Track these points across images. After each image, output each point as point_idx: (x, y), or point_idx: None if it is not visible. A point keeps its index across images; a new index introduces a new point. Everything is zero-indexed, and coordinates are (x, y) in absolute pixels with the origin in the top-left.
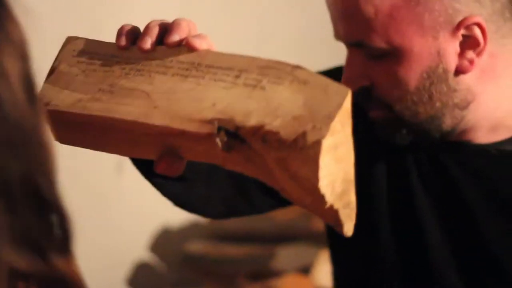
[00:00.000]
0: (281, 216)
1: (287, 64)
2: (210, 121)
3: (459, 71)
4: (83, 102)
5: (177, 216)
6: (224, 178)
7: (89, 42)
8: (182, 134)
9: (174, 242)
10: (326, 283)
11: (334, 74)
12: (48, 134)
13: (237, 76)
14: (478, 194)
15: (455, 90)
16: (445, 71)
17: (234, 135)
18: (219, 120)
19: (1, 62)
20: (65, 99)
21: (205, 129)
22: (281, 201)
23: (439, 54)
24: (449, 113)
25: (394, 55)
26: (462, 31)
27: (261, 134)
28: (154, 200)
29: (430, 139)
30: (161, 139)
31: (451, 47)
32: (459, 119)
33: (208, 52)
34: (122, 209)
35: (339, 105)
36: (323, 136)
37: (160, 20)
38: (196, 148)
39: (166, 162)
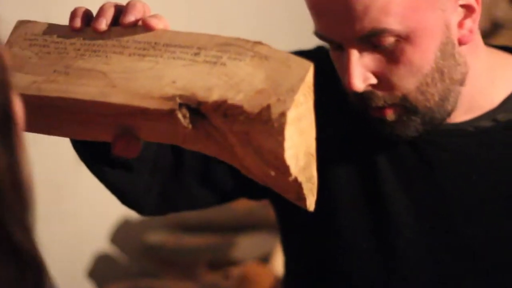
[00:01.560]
0: (240, 205)
1: (247, 41)
2: (171, 98)
3: (461, 43)
4: (37, 84)
5: None
6: (166, 171)
7: (41, 25)
8: (142, 112)
9: (133, 233)
10: None
11: (314, 54)
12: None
13: (196, 54)
14: (452, 173)
15: (458, 64)
16: (453, 44)
17: (196, 111)
18: (180, 96)
19: None
20: (19, 82)
21: (166, 106)
22: (223, 198)
23: (447, 28)
24: (454, 90)
25: (408, 39)
26: (461, 1)
27: (223, 109)
28: None
29: (436, 125)
30: (117, 120)
31: (454, 18)
32: (457, 97)
33: (165, 31)
34: (82, 200)
35: (302, 78)
36: (288, 108)
37: (114, 2)
38: (154, 128)
39: (123, 143)
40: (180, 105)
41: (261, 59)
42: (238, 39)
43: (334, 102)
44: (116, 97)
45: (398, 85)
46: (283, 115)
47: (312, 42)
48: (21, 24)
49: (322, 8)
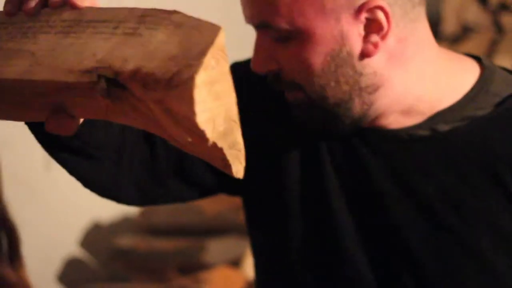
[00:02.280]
0: (210, 209)
1: (164, 11)
2: (89, 70)
3: (364, 55)
4: None
5: (106, 211)
6: (137, 161)
7: None
8: (67, 87)
9: (103, 236)
10: None
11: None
12: None
13: (116, 27)
14: (388, 179)
15: (361, 74)
16: (350, 54)
17: (114, 81)
18: (98, 68)
19: None
20: None
21: (85, 79)
22: (201, 192)
23: (342, 37)
24: (358, 97)
25: (298, 38)
26: (365, 14)
27: (139, 78)
28: (83, 194)
29: (341, 124)
30: (49, 99)
31: (355, 30)
32: (368, 104)
33: (89, 8)
34: (52, 204)
35: (211, 41)
36: (195, 71)
37: None
38: (82, 103)
39: (55, 120)
40: (99, 77)
41: (175, 27)
42: (155, 9)
43: (276, 97)
44: (41, 74)
45: (292, 77)
46: (191, 78)
47: None
48: None
49: None
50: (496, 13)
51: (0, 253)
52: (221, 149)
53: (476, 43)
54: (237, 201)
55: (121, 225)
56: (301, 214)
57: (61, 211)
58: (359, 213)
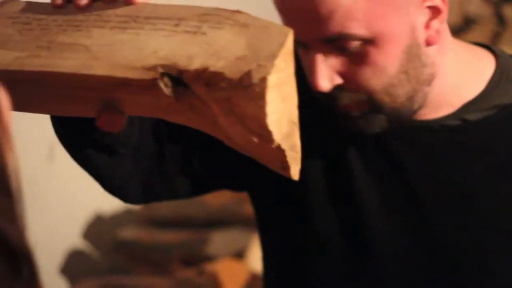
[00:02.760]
0: (214, 201)
1: (226, 10)
2: (152, 68)
3: (428, 43)
4: (20, 59)
5: (109, 203)
6: (147, 157)
7: (23, 4)
8: (125, 84)
9: (106, 228)
10: (260, 267)
11: None
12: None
13: (177, 25)
14: (420, 170)
15: (425, 65)
16: (418, 46)
17: (178, 80)
18: (162, 66)
19: None
20: (2, 59)
21: (148, 76)
22: (205, 188)
23: (412, 30)
24: (420, 91)
25: (373, 42)
26: (427, 2)
27: (205, 77)
28: (86, 186)
29: (400, 123)
30: (100, 94)
31: (420, 20)
32: (425, 97)
33: (145, 5)
34: (54, 196)
35: (282, 44)
36: (268, 73)
37: None
38: (138, 100)
39: (107, 116)
40: (162, 74)
41: (240, 27)
42: (217, 9)
43: (304, 99)
44: (99, 69)
45: (363, 86)
46: (263, 79)
47: None
48: (3, 3)
49: (288, 6)
50: (498, 4)
51: (21, 280)
52: (283, 151)
53: (478, 35)
54: (240, 193)
55: (124, 217)
56: (327, 212)
57: (63, 203)
58: (391, 206)
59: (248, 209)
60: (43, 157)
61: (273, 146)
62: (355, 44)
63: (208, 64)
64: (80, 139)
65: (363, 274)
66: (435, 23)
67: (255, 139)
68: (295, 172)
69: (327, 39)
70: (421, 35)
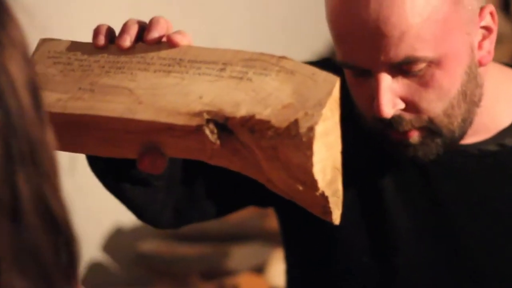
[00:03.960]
0: (234, 215)
1: (272, 56)
2: (198, 114)
3: (480, 64)
4: (62, 101)
5: (129, 216)
6: (177, 184)
7: (65, 43)
8: (169, 128)
9: (126, 241)
10: (280, 282)
11: (321, 65)
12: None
13: (222, 69)
14: (455, 193)
15: (479, 86)
16: (476, 66)
17: (223, 126)
18: (207, 112)
19: (6, 69)
20: (44, 100)
21: (193, 122)
22: (233, 208)
23: (472, 49)
24: (473, 112)
25: (438, 64)
26: (482, 22)
27: (251, 124)
28: (106, 199)
29: (455, 146)
30: (143, 137)
31: (476, 39)
32: (474, 118)
33: (189, 47)
34: (74, 209)
35: (329, 93)
36: (316, 122)
37: (137, 19)
38: (180, 144)
39: (149, 159)
40: (208, 120)
41: (287, 74)
42: (262, 54)
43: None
44: (143, 114)
45: (426, 109)
46: (311, 129)
47: (303, 52)
48: (44, 42)
49: (351, 34)
50: None
51: (58, 268)
52: (326, 197)
53: (499, 53)
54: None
55: (144, 230)
56: (357, 231)
57: (84, 216)
58: (422, 228)
59: (268, 223)
60: (64, 169)
61: (317, 193)
62: (421, 66)
63: (255, 111)
64: (117, 176)
65: None
66: (487, 43)
67: (299, 187)
68: (336, 216)
69: (394, 64)
70: (477, 55)
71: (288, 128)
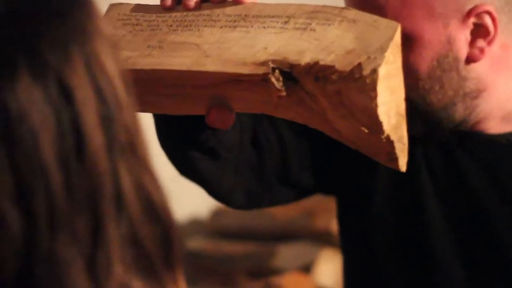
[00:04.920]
0: (281, 214)
1: (334, 7)
2: (264, 63)
3: (469, 60)
4: (133, 59)
5: (176, 213)
6: (246, 165)
7: (133, 6)
8: (236, 80)
9: None
10: (327, 282)
11: None
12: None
13: (286, 22)
14: (486, 184)
15: (466, 79)
16: (456, 59)
17: (289, 74)
18: (273, 61)
19: (99, 59)
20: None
21: (259, 71)
22: (302, 194)
23: (449, 42)
24: (461, 102)
25: (404, 42)
26: (472, 19)
27: (315, 70)
28: None
29: (442, 129)
30: (210, 91)
31: (462, 35)
32: (470, 109)
33: (254, 4)
34: None
35: (391, 37)
36: (379, 65)
37: None
38: (247, 97)
39: (216, 113)
40: (273, 69)
41: (349, 23)
42: (325, 6)
43: None
44: (211, 66)
45: None
46: (374, 71)
47: None
48: (113, 7)
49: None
50: None
51: (162, 258)
52: (392, 142)
53: None
54: (308, 207)
55: (191, 228)
56: (393, 219)
57: None
58: (455, 218)
59: (316, 223)
60: None
61: (383, 137)
62: None
63: (319, 58)
64: (185, 142)
65: (426, 283)
66: (480, 42)
67: (365, 131)
68: (402, 163)
69: None
70: (462, 50)
71: (351, 71)
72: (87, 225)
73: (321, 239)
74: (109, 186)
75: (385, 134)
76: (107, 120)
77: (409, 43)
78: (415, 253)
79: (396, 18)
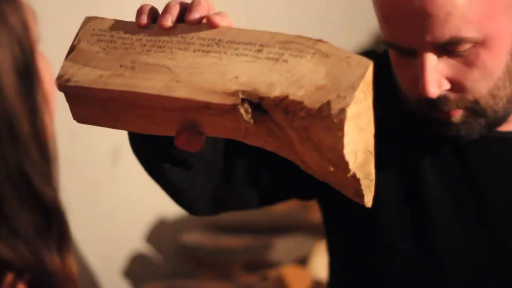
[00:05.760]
0: (278, 207)
1: (309, 38)
2: (233, 93)
3: None
4: (104, 78)
5: (172, 207)
6: (219, 173)
7: (109, 22)
8: (205, 107)
9: (169, 233)
10: (323, 274)
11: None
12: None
13: (259, 51)
14: (495, 180)
15: None
16: None
17: (258, 106)
18: (243, 91)
19: None
20: (86, 76)
21: (229, 101)
22: (274, 199)
23: None
24: None
25: (483, 44)
26: None
27: (284, 104)
28: (149, 191)
29: (494, 128)
30: (181, 115)
31: None
32: None
33: (228, 28)
34: (117, 200)
35: (362, 75)
36: (347, 104)
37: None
38: (216, 123)
39: (186, 137)
40: (243, 100)
41: (322, 56)
42: (299, 37)
43: (381, 105)
44: (181, 92)
45: (471, 90)
46: (343, 110)
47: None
48: (89, 20)
49: (397, 15)
50: None
51: (50, 239)
52: (358, 180)
53: None
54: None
55: (187, 222)
56: (397, 216)
57: (126, 207)
58: (461, 213)
59: (312, 215)
60: (107, 161)
61: (348, 175)
62: (466, 47)
63: (289, 92)
64: (157, 154)
65: (431, 276)
66: None
67: (331, 168)
68: (368, 199)
69: (440, 44)
70: None
71: (320, 109)
72: None
73: (317, 231)
74: None
75: (351, 173)
76: None
77: (486, 44)
78: (422, 247)
79: (479, 20)
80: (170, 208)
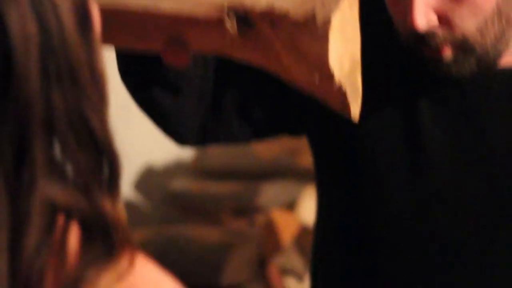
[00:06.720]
0: (265, 152)
1: None
2: (220, 6)
3: None
4: None
5: (160, 154)
6: (207, 98)
7: None
8: (192, 20)
9: (157, 180)
10: (310, 219)
11: None
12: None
13: None
14: (498, 118)
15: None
16: None
17: (244, 19)
18: (229, 3)
19: None
20: None
21: (215, 13)
22: (263, 134)
23: None
24: (508, 31)
25: None
26: None
27: (270, 16)
28: (137, 138)
29: (490, 66)
30: (168, 30)
31: None
32: (510, 40)
33: None
34: None
35: None
36: (331, 11)
37: None
38: (203, 37)
39: (173, 51)
40: (229, 12)
41: None
42: None
43: (378, 42)
44: (167, 5)
45: (459, 25)
46: (327, 19)
47: None
48: None
49: None
50: None
51: (101, 183)
52: (344, 90)
53: None
54: (292, 145)
55: (175, 168)
56: (393, 158)
57: None
58: (461, 151)
59: (300, 161)
60: None
61: (334, 83)
62: None
63: (274, 4)
64: (145, 78)
65: (426, 214)
66: None
67: (317, 77)
68: (354, 112)
69: None
70: None
71: (305, 18)
72: (12, 145)
73: (305, 177)
74: (38, 110)
75: (337, 81)
76: (45, 48)
77: None
78: (420, 186)
79: None
80: (158, 155)
